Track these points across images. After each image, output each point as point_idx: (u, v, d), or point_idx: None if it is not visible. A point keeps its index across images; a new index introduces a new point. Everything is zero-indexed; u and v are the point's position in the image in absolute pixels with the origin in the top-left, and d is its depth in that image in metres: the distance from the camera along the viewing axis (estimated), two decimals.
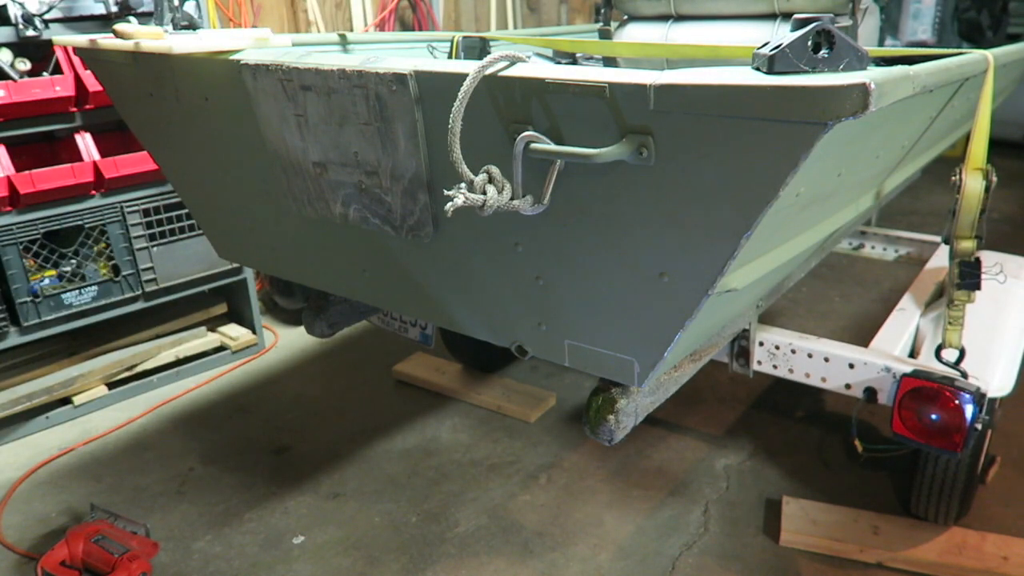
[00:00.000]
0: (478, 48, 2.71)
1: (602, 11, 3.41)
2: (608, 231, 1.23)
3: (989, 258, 2.63)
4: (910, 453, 2.28)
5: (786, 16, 2.80)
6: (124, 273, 3.10)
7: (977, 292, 1.99)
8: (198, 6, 3.16)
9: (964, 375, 1.95)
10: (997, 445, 2.61)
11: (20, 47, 2.83)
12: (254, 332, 3.62)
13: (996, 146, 2.02)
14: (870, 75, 0.87)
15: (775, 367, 2.24)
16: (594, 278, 1.33)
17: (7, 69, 2.76)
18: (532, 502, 2.53)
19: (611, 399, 1.52)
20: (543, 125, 1.17)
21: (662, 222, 1.15)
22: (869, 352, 2.15)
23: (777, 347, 2.22)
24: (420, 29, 4.86)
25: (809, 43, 0.93)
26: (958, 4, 3.65)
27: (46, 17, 2.82)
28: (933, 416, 1.92)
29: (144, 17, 2.95)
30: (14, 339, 2.91)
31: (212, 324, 3.63)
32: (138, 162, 3.01)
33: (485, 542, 2.36)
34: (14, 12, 2.75)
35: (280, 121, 1.57)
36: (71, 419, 3.13)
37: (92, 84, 2.87)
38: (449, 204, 1.13)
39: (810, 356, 2.17)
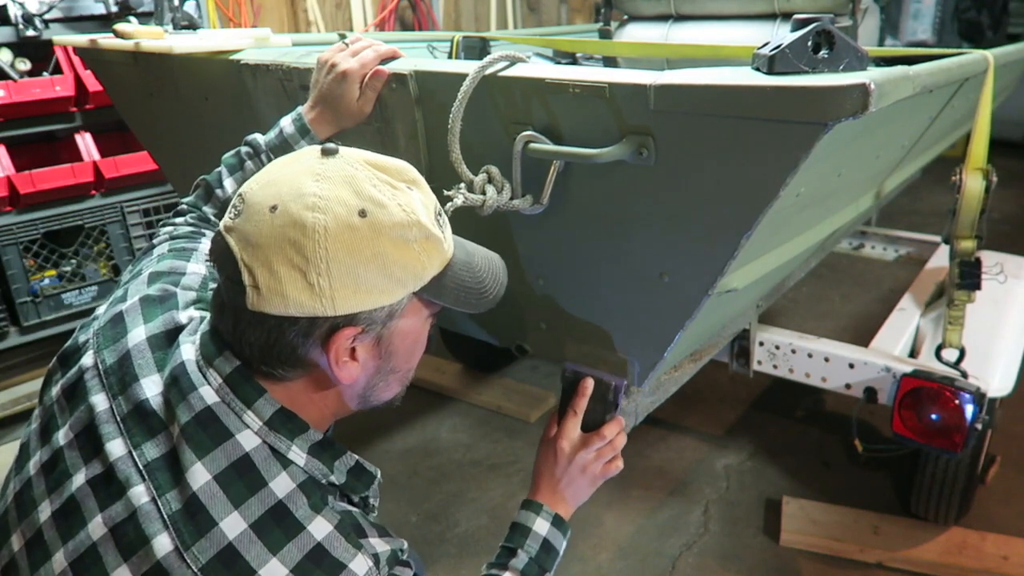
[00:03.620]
0: (478, 48, 2.71)
1: (602, 11, 3.41)
2: (608, 231, 1.23)
3: (989, 258, 2.63)
4: (910, 453, 2.28)
5: (786, 16, 2.80)
6: None
7: (977, 292, 1.99)
8: (198, 6, 3.16)
9: (964, 375, 1.96)
10: (997, 445, 2.61)
11: (20, 47, 2.83)
12: None
13: (996, 146, 2.02)
14: (870, 75, 0.87)
15: (775, 367, 2.24)
16: (594, 278, 1.33)
17: (7, 69, 2.76)
18: None
19: None
20: (542, 125, 1.17)
21: (662, 222, 1.15)
22: (869, 352, 2.15)
23: (777, 347, 2.22)
24: (420, 29, 4.87)
25: (809, 43, 0.93)
26: (958, 4, 3.64)
27: (46, 17, 2.82)
28: (933, 416, 1.92)
29: (144, 17, 2.95)
30: (14, 339, 2.92)
31: None
32: (138, 162, 3.01)
33: (485, 542, 2.36)
34: (14, 12, 2.75)
35: None
36: None
37: (92, 84, 2.87)
38: (448, 204, 1.13)
39: (810, 356, 2.18)
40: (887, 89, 0.88)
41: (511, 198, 1.20)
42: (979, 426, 1.88)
